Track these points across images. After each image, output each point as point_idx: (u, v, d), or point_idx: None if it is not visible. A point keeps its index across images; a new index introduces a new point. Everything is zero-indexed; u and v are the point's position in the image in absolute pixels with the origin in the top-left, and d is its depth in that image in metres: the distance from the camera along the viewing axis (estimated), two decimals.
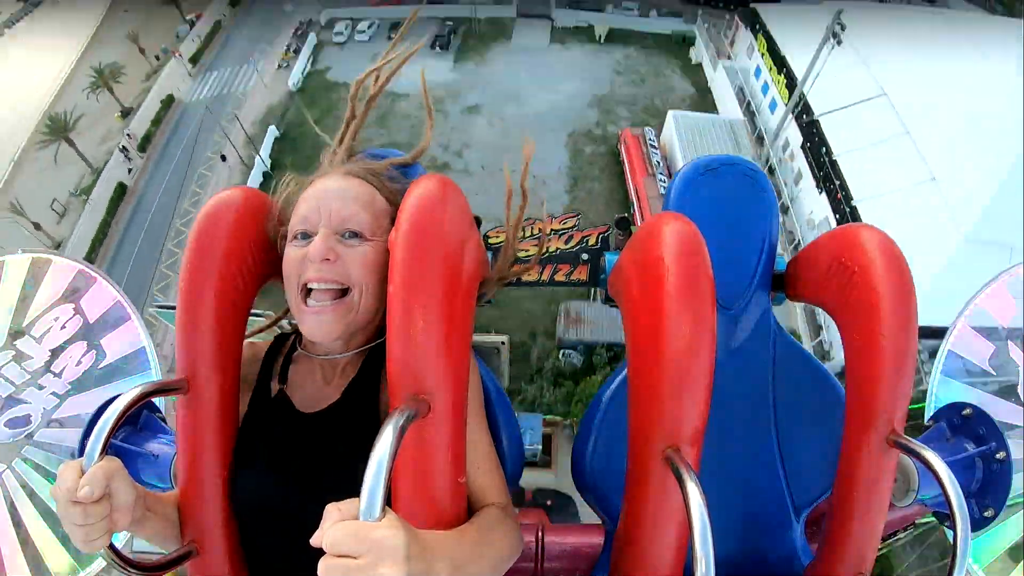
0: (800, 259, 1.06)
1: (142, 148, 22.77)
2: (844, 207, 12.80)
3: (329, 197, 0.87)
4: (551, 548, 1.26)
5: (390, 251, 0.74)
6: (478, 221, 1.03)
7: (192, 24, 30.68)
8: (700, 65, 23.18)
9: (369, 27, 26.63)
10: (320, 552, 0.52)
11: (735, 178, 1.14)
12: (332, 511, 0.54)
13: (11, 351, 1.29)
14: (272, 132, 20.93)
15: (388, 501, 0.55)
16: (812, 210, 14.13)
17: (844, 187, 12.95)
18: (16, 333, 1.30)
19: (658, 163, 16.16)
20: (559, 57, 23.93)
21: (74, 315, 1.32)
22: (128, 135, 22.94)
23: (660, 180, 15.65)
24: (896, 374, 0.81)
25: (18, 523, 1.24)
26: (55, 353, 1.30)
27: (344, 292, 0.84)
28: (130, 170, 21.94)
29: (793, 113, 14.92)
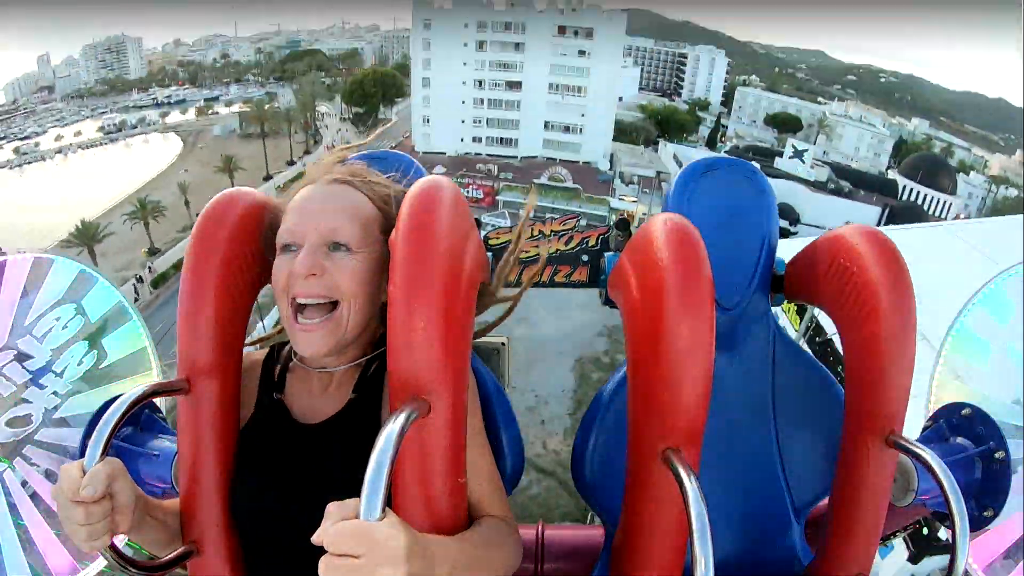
0: (799, 260, 1.06)
1: (155, 285, 24.06)
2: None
3: (314, 208, 0.84)
4: (551, 548, 1.26)
5: (391, 251, 0.74)
6: (478, 222, 1.03)
7: None
8: None
9: None
10: (320, 554, 0.52)
11: (735, 178, 1.14)
12: (333, 510, 0.54)
13: (12, 350, 1.29)
14: None
15: (388, 501, 0.55)
16: None
17: None
18: (17, 332, 1.31)
19: None
20: (574, 291, 24.60)
21: (76, 315, 1.32)
22: (149, 268, 24.41)
23: None
24: (895, 374, 0.82)
25: (18, 523, 1.24)
26: (56, 352, 1.30)
27: (333, 306, 0.83)
28: (136, 299, 22.97)
29: (804, 337, 15.17)
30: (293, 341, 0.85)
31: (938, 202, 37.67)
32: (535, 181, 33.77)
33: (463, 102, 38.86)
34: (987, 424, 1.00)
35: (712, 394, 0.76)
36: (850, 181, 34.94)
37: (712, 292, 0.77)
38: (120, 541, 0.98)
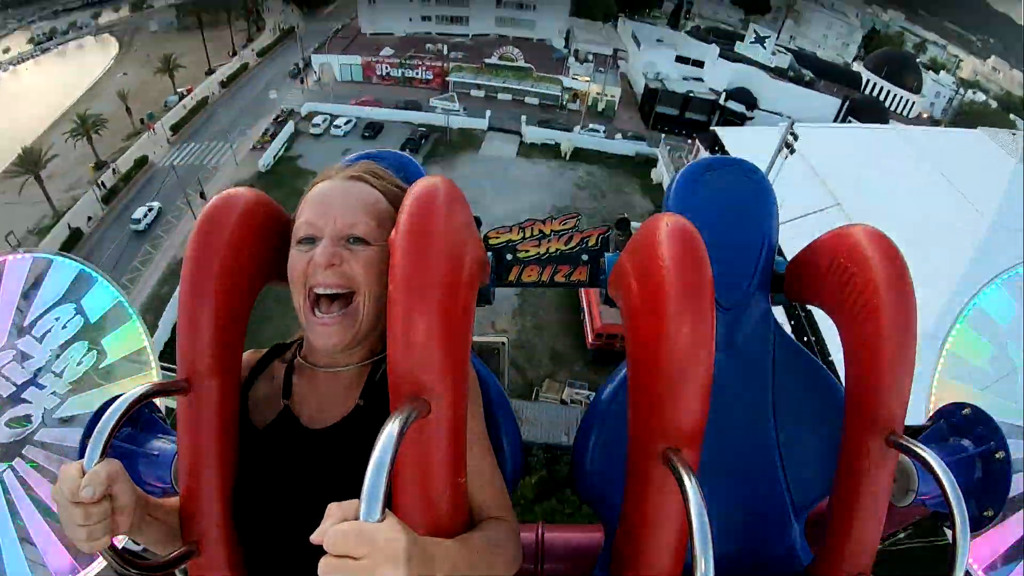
0: (799, 260, 1.06)
1: (106, 200, 23.29)
2: (799, 312, 12.81)
3: (333, 201, 0.87)
4: (551, 548, 1.26)
5: (390, 251, 0.74)
6: (478, 221, 1.03)
7: (182, 96, 32.20)
8: (660, 185, 24.30)
9: (346, 123, 29.09)
10: (321, 555, 0.52)
11: (735, 178, 1.14)
12: (333, 510, 0.54)
13: (12, 351, 1.29)
14: None
15: (388, 502, 0.55)
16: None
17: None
18: (17, 332, 1.31)
19: None
20: (524, 170, 24.65)
21: (75, 315, 1.32)
22: (101, 183, 23.50)
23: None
24: (895, 374, 0.82)
25: (18, 523, 1.24)
26: (56, 353, 1.30)
27: (349, 300, 0.84)
28: (89, 218, 22.27)
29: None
30: (311, 335, 0.86)
31: (901, 100, 37.06)
32: (486, 61, 32.69)
33: None
34: (987, 424, 1.00)
35: (712, 394, 0.75)
36: (812, 70, 34.29)
37: (712, 292, 0.77)
38: (120, 541, 0.98)
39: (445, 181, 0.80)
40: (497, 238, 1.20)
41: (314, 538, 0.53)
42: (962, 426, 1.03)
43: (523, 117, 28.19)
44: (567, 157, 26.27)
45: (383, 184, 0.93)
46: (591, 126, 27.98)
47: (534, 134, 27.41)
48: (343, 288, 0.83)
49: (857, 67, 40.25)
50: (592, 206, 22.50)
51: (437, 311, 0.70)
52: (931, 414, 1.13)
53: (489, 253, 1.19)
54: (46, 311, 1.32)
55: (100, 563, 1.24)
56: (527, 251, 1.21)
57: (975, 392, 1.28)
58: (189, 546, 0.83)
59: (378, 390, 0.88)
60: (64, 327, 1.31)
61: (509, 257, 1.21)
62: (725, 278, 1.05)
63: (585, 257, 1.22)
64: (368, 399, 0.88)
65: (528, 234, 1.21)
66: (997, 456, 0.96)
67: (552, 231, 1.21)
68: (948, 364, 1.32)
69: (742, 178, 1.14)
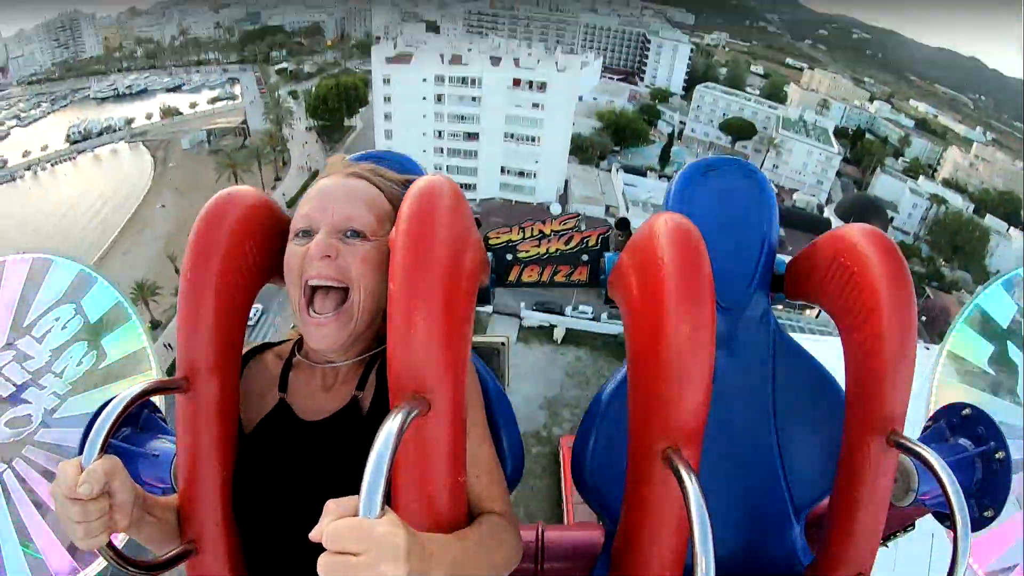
0: (800, 259, 1.06)
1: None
2: None
3: (332, 196, 0.87)
4: (551, 548, 1.26)
5: (390, 250, 0.74)
6: (478, 221, 1.03)
7: None
8: None
9: None
10: (320, 552, 0.52)
11: (735, 178, 1.14)
12: (331, 507, 0.54)
13: (12, 351, 1.29)
14: None
15: (387, 499, 0.55)
16: None
17: None
18: (17, 333, 1.31)
19: None
20: (523, 357, 24.95)
21: (75, 315, 1.32)
22: (167, 346, 22.03)
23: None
24: (896, 374, 0.82)
25: (18, 523, 1.24)
26: (56, 353, 1.30)
27: (344, 297, 0.84)
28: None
29: None
30: (306, 334, 0.86)
31: None
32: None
33: (424, 151, 37.30)
34: (987, 424, 0.99)
35: (712, 394, 0.75)
36: (784, 217, 34.53)
37: (713, 292, 0.77)
38: (119, 540, 0.98)
39: (446, 180, 0.80)
40: (497, 238, 1.20)
41: (313, 535, 0.53)
42: (962, 426, 1.03)
43: (521, 303, 27.68)
44: (559, 341, 26.66)
45: (384, 183, 0.93)
46: (580, 307, 27.83)
47: (532, 318, 27.53)
48: (337, 282, 0.83)
49: (828, 212, 42.14)
50: (576, 395, 23.11)
51: (438, 310, 0.70)
52: (931, 414, 1.13)
53: (489, 253, 1.19)
54: (46, 311, 1.32)
55: (100, 563, 1.24)
56: (527, 251, 1.21)
57: (975, 392, 1.28)
58: (187, 545, 0.83)
59: (375, 383, 0.88)
60: (64, 327, 1.31)
61: (509, 257, 1.21)
62: (725, 278, 1.05)
63: (585, 257, 1.22)
64: (365, 391, 0.88)
65: (528, 234, 1.21)
66: (997, 456, 0.96)
67: (552, 231, 1.21)
68: (948, 364, 1.32)
69: (742, 178, 1.15)
